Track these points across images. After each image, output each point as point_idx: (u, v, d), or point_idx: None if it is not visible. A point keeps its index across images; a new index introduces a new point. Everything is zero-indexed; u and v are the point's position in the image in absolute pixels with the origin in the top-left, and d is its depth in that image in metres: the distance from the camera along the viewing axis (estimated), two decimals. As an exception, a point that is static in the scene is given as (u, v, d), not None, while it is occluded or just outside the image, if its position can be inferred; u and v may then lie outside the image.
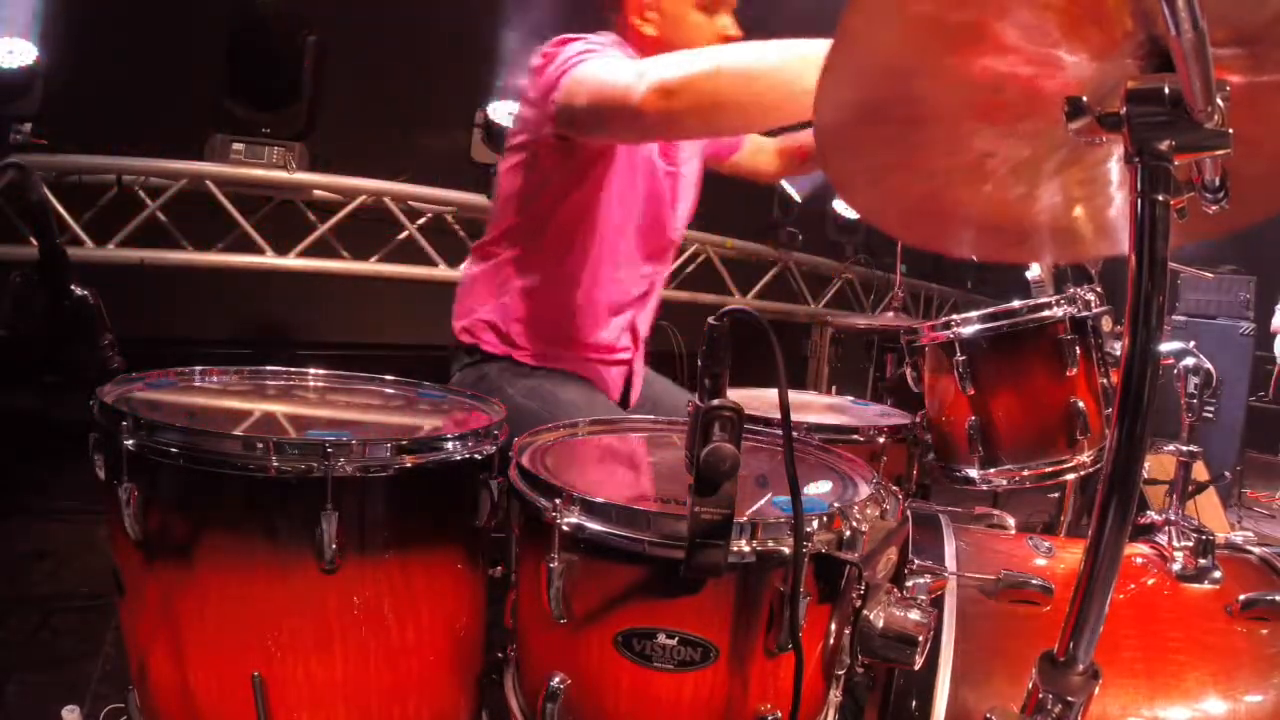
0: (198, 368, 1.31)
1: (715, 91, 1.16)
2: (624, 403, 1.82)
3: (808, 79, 0.91)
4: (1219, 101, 0.68)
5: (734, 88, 1.15)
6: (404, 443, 1.00)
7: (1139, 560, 1.26)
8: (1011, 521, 1.59)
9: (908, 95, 0.84)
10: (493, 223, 1.71)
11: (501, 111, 4.00)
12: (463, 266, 1.80)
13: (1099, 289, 1.58)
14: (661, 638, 0.85)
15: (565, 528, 0.87)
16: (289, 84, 3.43)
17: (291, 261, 3.56)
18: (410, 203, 3.79)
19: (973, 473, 1.62)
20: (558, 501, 0.89)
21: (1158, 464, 2.26)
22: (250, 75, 3.41)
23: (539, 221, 1.62)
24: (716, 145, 1.92)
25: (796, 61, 1.11)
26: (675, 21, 1.61)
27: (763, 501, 0.99)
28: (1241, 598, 1.13)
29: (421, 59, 4.52)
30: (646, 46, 1.60)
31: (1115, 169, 0.94)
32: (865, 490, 1.04)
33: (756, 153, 2.00)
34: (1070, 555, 1.29)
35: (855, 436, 1.63)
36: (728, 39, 1.60)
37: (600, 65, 1.33)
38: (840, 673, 0.98)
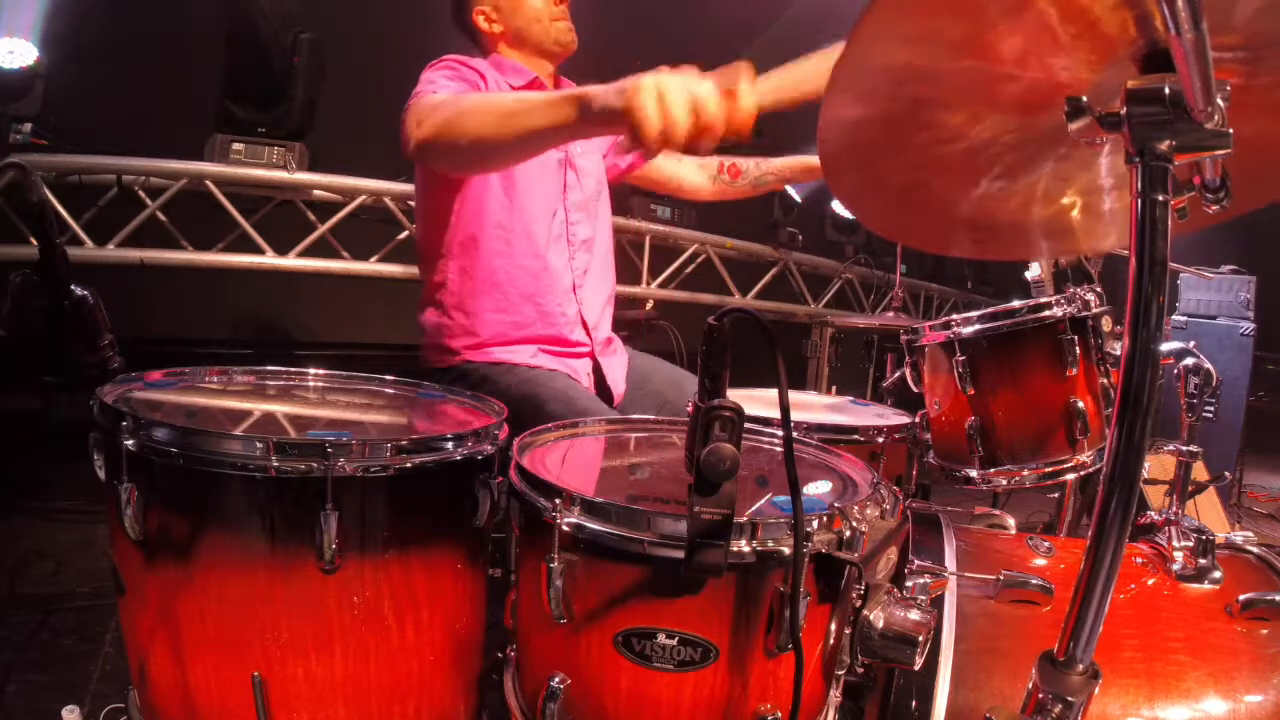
0: (198, 368, 1.31)
1: (455, 137, 1.33)
2: (602, 398, 1.82)
3: (533, 120, 1.19)
4: (1219, 101, 0.68)
5: (473, 131, 1.30)
6: (404, 443, 1.00)
7: (1139, 560, 1.26)
8: (1011, 521, 1.59)
9: (909, 92, 0.84)
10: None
11: (501, 111, 3.99)
12: None
13: (1099, 289, 1.58)
14: (661, 638, 0.85)
15: (565, 528, 0.87)
16: (282, 83, 3.43)
17: (291, 261, 3.55)
18: (410, 203, 3.78)
19: (973, 473, 1.62)
20: (558, 501, 0.89)
21: (1158, 464, 2.26)
22: (245, 75, 3.40)
23: (438, 230, 1.71)
24: (614, 154, 1.97)
25: (522, 105, 1.25)
26: (512, 11, 1.74)
27: (763, 501, 0.99)
28: (1241, 598, 1.13)
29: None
30: (498, 42, 1.76)
31: (1105, 163, 0.94)
32: (865, 490, 1.04)
33: (675, 168, 2.06)
34: (1070, 555, 1.29)
35: (855, 436, 1.63)
36: (562, 3, 1.74)
37: (412, 108, 1.47)
38: (840, 673, 0.98)
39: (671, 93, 1.00)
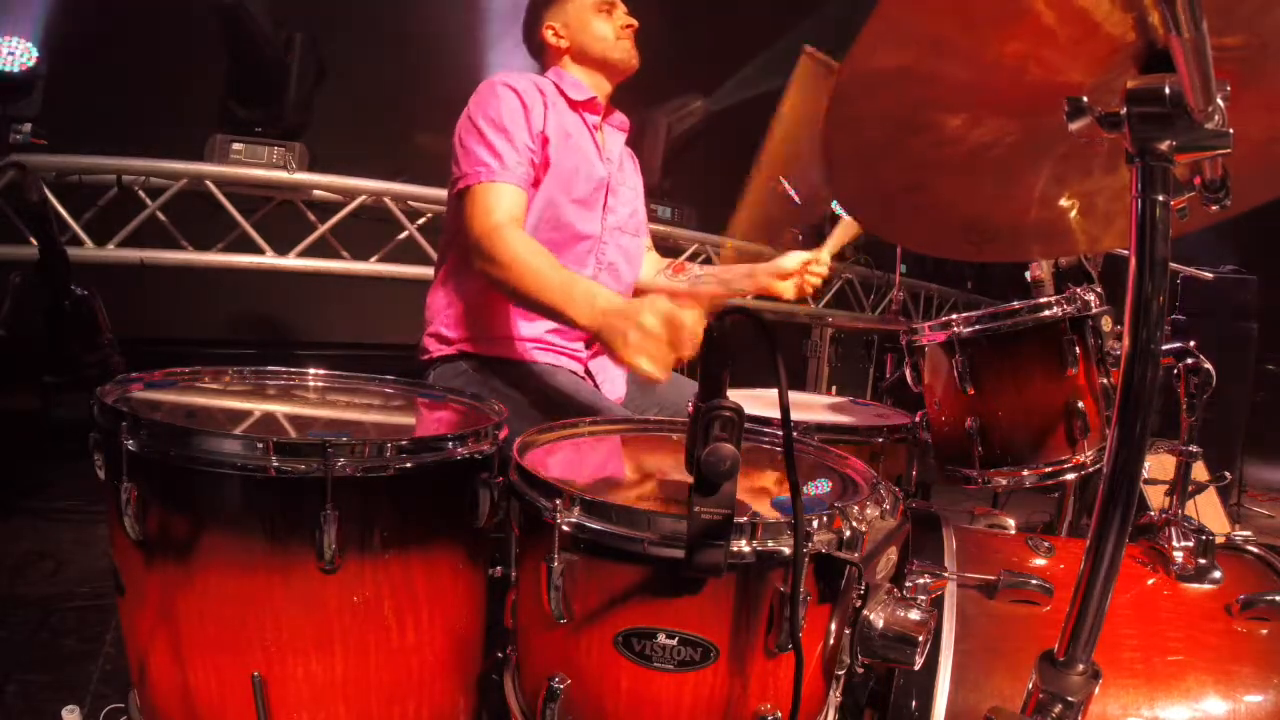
0: (198, 368, 1.31)
1: (504, 279, 1.51)
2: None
3: (569, 312, 1.39)
4: (1219, 101, 0.68)
5: (515, 287, 1.50)
6: (404, 443, 1.00)
7: (1139, 560, 1.26)
8: (1011, 521, 1.59)
9: (912, 95, 0.84)
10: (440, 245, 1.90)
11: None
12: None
13: (1099, 289, 1.58)
14: (661, 638, 0.85)
15: (565, 528, 0.87)
16: (277, 81, 3.43)
17: (291, 261, 3.56)
18: (410, 203, 3.79)
19: (973, 473, 1.62)
20: (558, 501, 0.89)
21: (1158, 464, 2.26)
22: (239, 73, 3.41)
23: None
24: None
25: (562, 296, 1.42)
26: (580, 28, 1.83)
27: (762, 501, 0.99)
28: (1241, 598, 1.13)
29: (420, 58, 4.52)
30: (563, 56, 1.85)
31: (1103, 164, 0.94)
32: (865, 490, 1.04)
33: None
34: (1070, 555, 1.29)
35: (855, 436, 1.63)
36: (629, 27, 1.85)
37: (485, 198, 1.59)
38: (840, 673, 0.98)
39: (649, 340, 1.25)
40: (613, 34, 1.84)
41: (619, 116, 1.95)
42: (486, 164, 1.62)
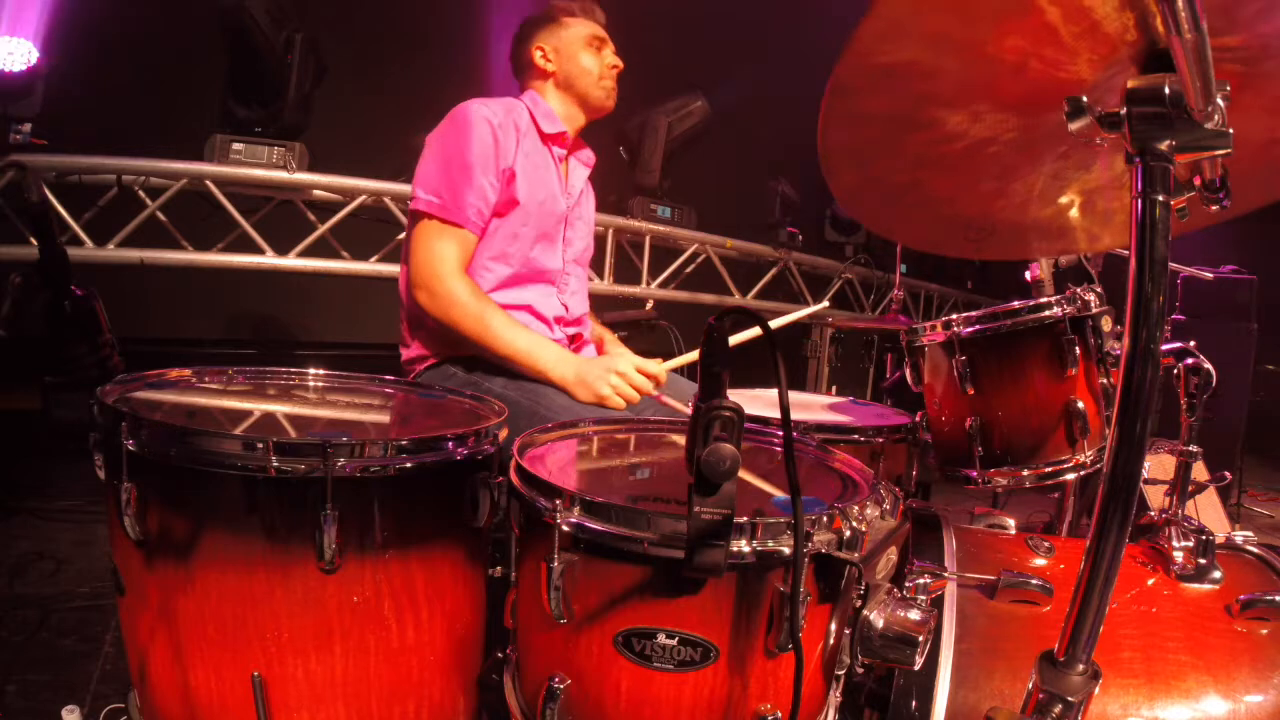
0: (198, 368, 1.31)
1: (458, 326, 1.62)
2: None
3: (540, 367, 1.61)
4: (1219, 101, 0.68)
5: (475, 336, 1.62)
6: (404, 443, 1.00)
7: (1139, 560, 1.26)
8: (1011, 522, 1.59)
9: (911, 90, 0.84)
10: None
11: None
12: None
13: (1099, 289, 1.58)
14: (661, 638, 0.85)
15: (565, 528, 0.87)
16: (279, 83, 3.43)
17: (291, 261, 3.55)
18: (410, 203, 3.79)
19: (973, 473, 1.62)
20: (558, 502, 0.88)
21: (1158, 464, 2.26)
22: (239, 72, 3.41)
23: None
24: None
25: (526, 356, 1.62)
26: (569, 58, 1.87)
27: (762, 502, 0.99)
28: (1241, 598, 1.13)
29: (420, 58, 4.52)
30: (546, 79, 1.89)
31: (1104, 163, 0.94)
32: (865, 490, 1.04)
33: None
34: (1070, 555, 1.29)
35: (855, 436, 1.63)
36: (615, 68, 1.89)
37: (433, 236, 1.68)
38: (840, 673, 0.98)
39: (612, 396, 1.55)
40: (598, 71, 1.86)
41: (587, 153, 1.98)
42: (441, 198, 1.67)
